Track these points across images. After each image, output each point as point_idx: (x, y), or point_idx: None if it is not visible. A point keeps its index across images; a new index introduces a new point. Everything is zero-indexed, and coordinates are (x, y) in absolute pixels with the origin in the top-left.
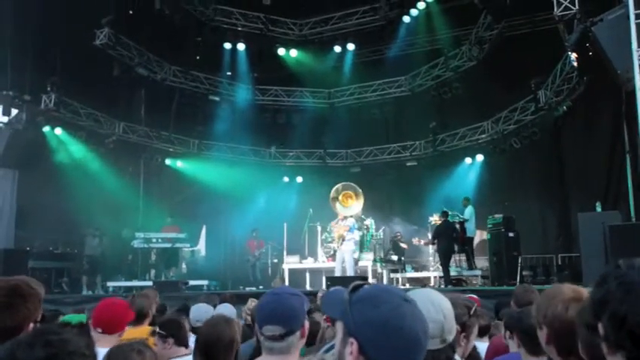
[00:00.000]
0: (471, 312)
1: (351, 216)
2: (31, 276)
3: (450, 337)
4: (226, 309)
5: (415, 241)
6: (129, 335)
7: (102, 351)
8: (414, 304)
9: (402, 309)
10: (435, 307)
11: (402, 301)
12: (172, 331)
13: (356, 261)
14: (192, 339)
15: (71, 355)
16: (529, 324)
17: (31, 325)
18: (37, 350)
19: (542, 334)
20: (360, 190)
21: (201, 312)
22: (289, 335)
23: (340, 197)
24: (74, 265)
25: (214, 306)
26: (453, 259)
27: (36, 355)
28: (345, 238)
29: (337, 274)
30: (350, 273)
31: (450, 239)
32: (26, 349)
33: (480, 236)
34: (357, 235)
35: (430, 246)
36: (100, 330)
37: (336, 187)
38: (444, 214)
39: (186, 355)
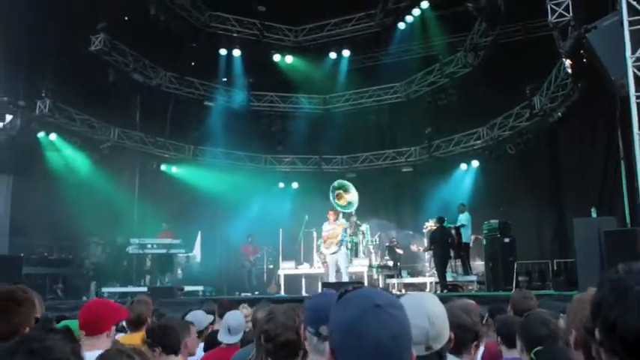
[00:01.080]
0: (483, 321)
1: (349, 215)
2: (25, 283)
3: (437, 345)
4: (235, 316)
5: (414, 247)
6: (124, 342)
7: (88, 355)
8: (388, 309)
9: (367, 313)
10: (421, 314)
11: (372, 306)
12: (159, 339)
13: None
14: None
15: None
16: (534, 332)
17: (27, 329)
18: (20, 358)
19: (571, 338)
20: (349, 183)
21: (195, 319)
22: None
23: (335, 199)
24: (69, 271)
25: (212, 312)
26: (449, 265)
27: None
28: (342, 240)
29: (331, 279)
30: (345, 278)
31: (446, 245)
32: (8, 358)
33: (475, 241)
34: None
35: (427, 252)
36: (84, 332)
37: (331, 192)
38: (440, 220)
39: None
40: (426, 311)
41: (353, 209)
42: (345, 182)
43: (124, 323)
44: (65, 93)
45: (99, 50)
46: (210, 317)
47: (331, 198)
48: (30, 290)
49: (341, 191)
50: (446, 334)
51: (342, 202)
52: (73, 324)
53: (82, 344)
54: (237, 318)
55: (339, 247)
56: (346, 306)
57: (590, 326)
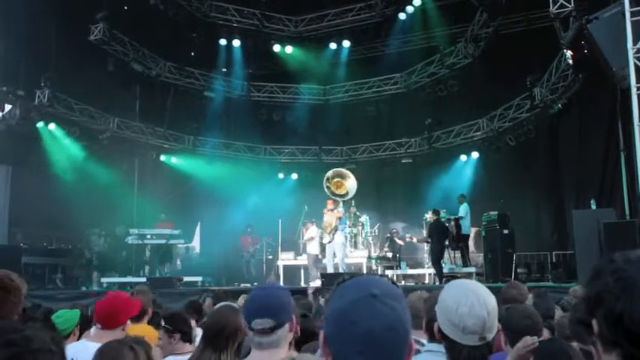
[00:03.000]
0: None
1: (348, 206)
2: (25, 272)
3: (490, 336)
4: None
5: (408, 237)
6: (130, 332)
7: (95, 346)
8: (385, 299)
9: (360, 303)
10: (480, 303)
11: (367, 295)
12: (179, 326)
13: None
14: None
15: (36, 352)
16: (516, 324)
17: (15, 317)
18: None
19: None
20: (347, 171)
21: None
22: (279, 328)
23: (332, 187)
24: (68, 261)
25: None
26: (447, 257)
27: None
28: (337, 229)
29: (329, 270)
30: (342, 268)
31: (443, 237)
32: None
33: (474, 233)
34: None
35: (425, 243)
36: (99, 326)
37: (325, 182)
38: (436, 212)
39: (189, 352)
40: (485, 301)
41: (349, 197)
42: (342, 170)
43: None
44: (64, 83)
45: (98, 40)
46: None
47: (325, 188)
48: (17, 278)
49: (340, 179)
50: (496, 324)
51: (342, 191)
52: (67, 314)
53: (95, 336)
54: None
55: (332, 237)
56: (342, 294)
57: (587, 318)
